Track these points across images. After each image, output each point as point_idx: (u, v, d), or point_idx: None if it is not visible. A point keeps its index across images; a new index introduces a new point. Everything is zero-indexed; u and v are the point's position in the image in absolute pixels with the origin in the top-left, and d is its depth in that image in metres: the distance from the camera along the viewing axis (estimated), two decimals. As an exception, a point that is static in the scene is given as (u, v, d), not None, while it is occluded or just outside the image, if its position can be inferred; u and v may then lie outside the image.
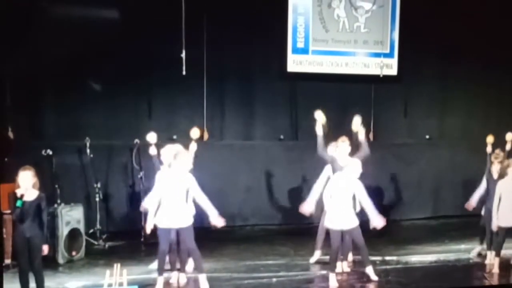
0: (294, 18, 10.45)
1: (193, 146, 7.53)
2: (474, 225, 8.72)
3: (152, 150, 7.44)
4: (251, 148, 10.59)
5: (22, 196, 6.25)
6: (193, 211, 7.25)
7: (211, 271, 7.80)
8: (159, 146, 7.39)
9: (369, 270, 7.38)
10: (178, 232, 6.82)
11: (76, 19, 9.25)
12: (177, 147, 7.09)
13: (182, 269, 7.32)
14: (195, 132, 7.66)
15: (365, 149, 7.71)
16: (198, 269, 7.00)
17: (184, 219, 6.77)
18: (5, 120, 8.59)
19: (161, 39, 9.54)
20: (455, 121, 11.38)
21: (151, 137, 7.53)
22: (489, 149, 8.17)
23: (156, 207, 6.79)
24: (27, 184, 6.35)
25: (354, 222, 7.25)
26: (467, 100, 11.33)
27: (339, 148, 7.61)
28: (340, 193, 7.17)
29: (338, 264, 7.65)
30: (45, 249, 6.46)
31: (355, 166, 7.22)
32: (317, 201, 7.78)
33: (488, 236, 8.02)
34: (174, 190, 6.75)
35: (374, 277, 7.35)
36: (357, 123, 7.83)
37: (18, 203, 6.23)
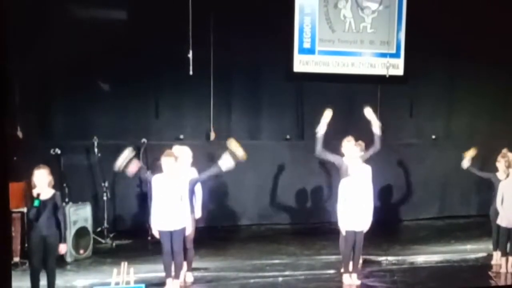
0: (301, 19, 10.46)
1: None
2: (480, 226, 8.73)
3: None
4: (258, 147, 10.58)
5: (38, 195, 6.32)
6: (197, 214, 7.35)
7: (217, 270, 7.85)
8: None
9: (354, 276, 7.28)
10: (171, 234, 6.85)
11: (84, 19, 9.30)
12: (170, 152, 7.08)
13: (188, 269, 7.37)
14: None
15: (376, 144, 7.71)
16: (176, 274, 6.95)
17: (176, 222, 6.82)
18: (14, 119, 8.65)
19: (168, 39, 9.57)
20: (462, 121, 11.36)
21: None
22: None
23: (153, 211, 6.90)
24: (43, 183, 6.41)
25: (366, 225, 7.28)
26: (473, 100, 11.31)
27: (344, 148, 7.62)
28: (353, 196, 7.16)
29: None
30: (63, 248, 6.53)
31: (365, 171, 7.27)
32: None
33: (495, 236, 8.03)
34: (167, 194, 6.81)
35: (356, 281, 7.28)
36: (369, 113, 7.82)
37: (36, 203, 6.28)
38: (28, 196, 6.45)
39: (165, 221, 6.81)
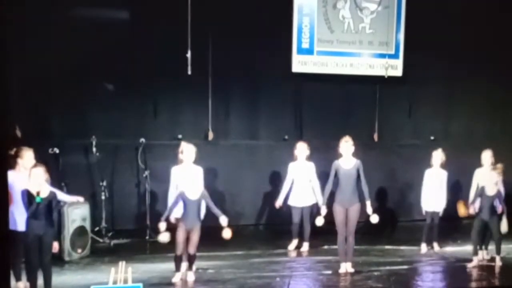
0: (299, 19, 10.47)
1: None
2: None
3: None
4: (256, 148, 10.62)
5: (38, 193, 6.33)
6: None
7: (216, 269, 7.85)
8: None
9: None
10: None
11: (83, 19, 9.31)
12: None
13: (189, 267, 7.38)
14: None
15: None
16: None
17: None
18: (12, 118, 8.65)
19: (167, 39, 9.58)
20: (460, 122, 11.37)
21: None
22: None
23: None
24: (40, 181, 6.41)
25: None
26: (472, 101, 11.32)
27: (342, 148, 7.66)
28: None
29: (342, 264, 7.70)
30: (56, 246, 6.54)
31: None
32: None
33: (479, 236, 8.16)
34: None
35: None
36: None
37: (38, 199, 6.31)
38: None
39: None
